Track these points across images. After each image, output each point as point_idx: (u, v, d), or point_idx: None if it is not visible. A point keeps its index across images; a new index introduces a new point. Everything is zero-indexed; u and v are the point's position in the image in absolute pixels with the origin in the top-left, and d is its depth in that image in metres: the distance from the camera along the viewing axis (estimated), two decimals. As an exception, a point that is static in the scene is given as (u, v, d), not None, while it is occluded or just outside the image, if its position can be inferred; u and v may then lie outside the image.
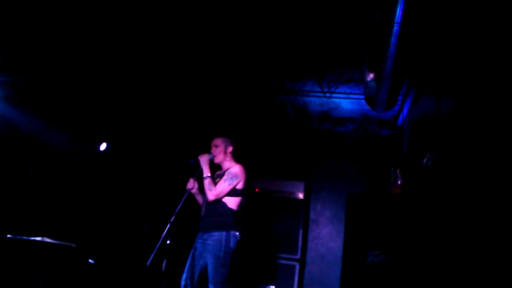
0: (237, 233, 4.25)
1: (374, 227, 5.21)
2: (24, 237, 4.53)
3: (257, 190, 6.68)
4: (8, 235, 4.55)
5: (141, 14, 4.81)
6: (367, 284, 5.00)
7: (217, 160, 4.48)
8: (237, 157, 4.57)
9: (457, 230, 3.72)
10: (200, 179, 4.38)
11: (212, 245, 4.16)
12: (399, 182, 5.14)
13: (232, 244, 4.18)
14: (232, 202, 4.28)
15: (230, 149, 4.54)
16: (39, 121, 6.43)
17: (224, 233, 4.17)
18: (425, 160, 4.65)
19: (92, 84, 6.37)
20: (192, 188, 4.41)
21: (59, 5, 4.71)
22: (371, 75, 4.80)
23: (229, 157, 4.52)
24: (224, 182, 4.26)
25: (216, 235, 4.18)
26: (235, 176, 4.28)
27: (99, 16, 4.90)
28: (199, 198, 4.54)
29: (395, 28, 3.70)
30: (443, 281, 3.83)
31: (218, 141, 4.53)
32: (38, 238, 4.53)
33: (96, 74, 6.16)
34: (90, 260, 4.94)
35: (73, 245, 4.61)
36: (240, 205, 4.35)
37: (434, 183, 4.44)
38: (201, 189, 4.44)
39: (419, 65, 4.91)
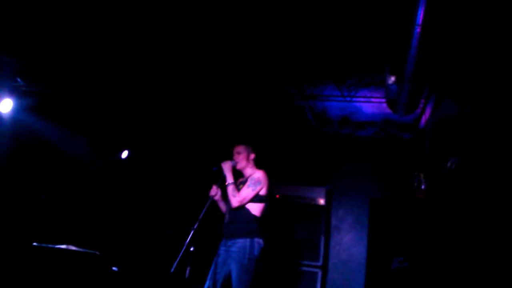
0: (261, 240, 4.23)
1: (398, 233, 5.14)
2: (50, 245, 4.59)
3: (278, 196, 6.66)
4: (34, 243, 4.61)
5: (161, 21, 4.85)
6: (392, 291, 4.92)
7: (239, 166, 4.49)
8: (258, 164, 4.57)
9: (483, 236, 3.65)
10: (223, 186, 4.39)
11: (236, 252, 4.14)
12: (423, 187, 5.07)
13: (256, 252, 4.16)
14: (255, 209, 4.27)
15: (252, 156, 4.56)
16: (62, 130, 6.52)
17: (248, 240, 4.15)
18: (449, 164, 4.58)
19: (114, 92, 6.44)
20: (215, 195, 4.42)
21: (80, 13, 4.79)
22: (392, 78, 4.76)
23: (251, 163, 4.53)
24: (248, 188, 4.25)
25: (240, 242, 4.16)
26: (258, 181, 4.28)
27: (123, 27, 4.96)
28: (222, 205, 4.54)
29: (416, 30, 3.67)
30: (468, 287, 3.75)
31: (240, 148, 4.55)
32: (63, 246, 4.58)
33: (118, 82, 6.23)
34: (113, 268, 4.98)
35: (97, 252, 4.65)
36: (264, 212, 4.32)
37: (459, 187, 4.37)
38: (224, 196, 4.45)
39: (441, 68, 4.84)
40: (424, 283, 4.64)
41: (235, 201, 4.23)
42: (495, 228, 3.42)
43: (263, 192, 4.30)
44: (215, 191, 4.40)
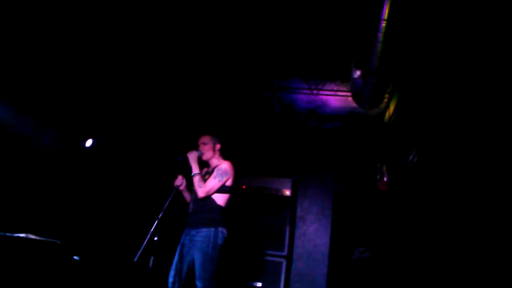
0: (225, 230, 4.26)
1: (360, 224, 5.25)
2: (8, 234, 4.47)
3: (244, 187, 6.69)
4: (-8, 232, 4.48)
5: (128, 11, 4.77)
6: (354, 280, 5.03)
7: (205, 157, 4.48)
8: (224, 154, 4.57)
9: (442, 227, 3.76)
10: (188, 176, 4.37)
11: (200, 241, 4.15)
12: (385, 179, 5.19)
13: (220, 241, 4.19)
14: (220, 199, 4.28)
15: (218, 146, 4.55)
16: (24, 117, 6.34)
17: (212, 229, 4.18)
18: (411, 157, 4.70)
19: (79, 78, 6.29)
20: (181, 185, 4.40)
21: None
22: (358, 72, 4.83)
23: (217, 154, 4.53)
24: (214, 178, 4.26)
25: (204, 231, 4.18)
26: (224, 172, 4.29)
27: (86, 9, 4.85)
28: (186, 195, 4.53)
29: (381, 24, 3.74)
30: (428, 277, 3.87)
31: (206, 139, 4.54)
32: (22, 235, 4.46)
33: (83, 68, 6.09)
34: (75, 257, 4.89)
35: (58, 241, 4.56)
36: (229, 202, 4.35)
37: (420, 180, 4.49)
38: (189, 186, 4.43)
39: (404, 63, 4.95)
40: (383, 273, 4.76)
41: (201, 191, 4.22)
42: (453, 219, 3.53)
43: (229, 183, 4.31)
44: (180, 181, 4.38)
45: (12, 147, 6.34)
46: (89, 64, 5.96)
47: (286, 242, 6.40)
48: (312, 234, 6.85)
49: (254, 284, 6.17)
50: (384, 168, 5.22)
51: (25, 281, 4.28)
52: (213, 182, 4.25)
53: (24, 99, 6.47)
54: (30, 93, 6.52)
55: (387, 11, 3.61)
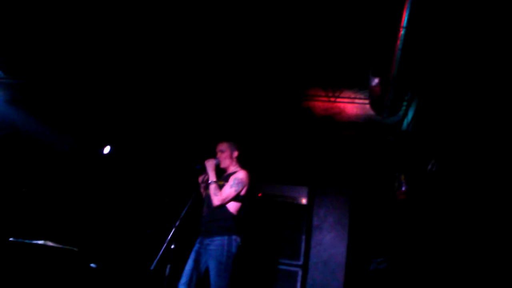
0: (239, 238, 4.23)
1: (378, 234, 5.18)
2: (27, 241, 4.51)
3: (260, 194, 6.65)
4: (11, 238, 4.52)
5: (147, 15, 4.81)
6: (371, 291, 4.96)
7: (223, 165, 4.47)
8: (241, 161, 4.56)
9: (461, 236, 3.69)
10: (206, 183, 4.39)
11: (214, 250, 4.13)
12: (403, 188, 5.11)
13: (234, 249, 4.16)
14: (233, 207, 4.27)
15: (235, 153, 4.54)
16: (43, 124, 6.42)
17: (226, 237, 4.15)
18: (429, 166, 4.63)
19: (97, 86, 6.36)
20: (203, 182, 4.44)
21: (62, 5, 4.71)
22: (376, 80, 4.79)
23: (234, 161, 4.52)
24: (231, 188, 4.24)
25: (218, 239, 4.15)
26: (241, 182, 4.27)
27: (108, 17, 4.90)
28: (203, 191, 4.56)
29: (402, 32, 3.70)
30: (448, 288, 3.79)
31: (223, 146, 4.53)
32: (41, 242, 4.50)
33: (102, 77, 6.15)
34: (92, 264, 4.91)
35: (75, 248, 4.59)
36: (242, 210, 4.32)
37: (439, 189, 4.42)
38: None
39: (424, 71, 4.89)
40: (401, 285, 4.68)
41: (216, 199, 4.21)
42: (474, 229, 3.46)
43: (242, 192, 4.29)
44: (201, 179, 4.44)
45: (32, 153, 6.42)
46: (109, 71, 6.02)
47: (302, 251, 6.34)
48: (328, 243, 6.76)
49: (270, 293, 6.13)
50: (403, 177, 5.15)
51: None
52: (229, 191, 4.23)
53: (43, 106, 6.56)
54: (49, 100, 6.61)
55: (406, 18, 3.58)
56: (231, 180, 4.28)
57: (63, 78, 6.29)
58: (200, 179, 4.50)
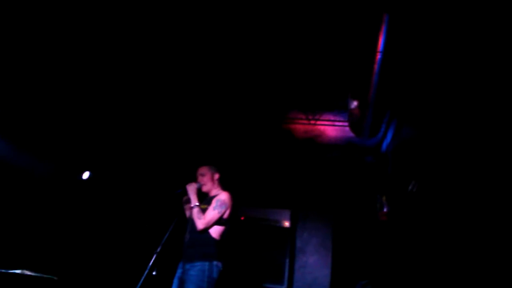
0: (220, 264, 4.19)
1: (362, 255, 5.19)
2: (3, 270, 4.38)
3: (242, 218, 6.63)
4: (-13, 269, 4.39)
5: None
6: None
7: (205, 188, 4.45)
8: (223, 185, 4.55)
9: (443, 256, 3.72)
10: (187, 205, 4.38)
11: (194, 275, 4.08)
12: (385, 209, 5.15)
13: (215, 274, 4.12)
14: (215, 232, 4.23)
15: (216, 176, 4.53)
16: (21, 150, 6.31)
17: (207, 263, 4.11)
18: (410, 187, 4.68)
19: (75, 111, 6.30)
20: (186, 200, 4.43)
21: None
22: (355, 103, 4.87)
23: (216, 184, 4.51)
24: (214, 210, 4.21)
25: (198, 265, 4.11)
26: (223, 203, 4.25)
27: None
28: (187, 213, 4.53)
29: (379, 56, 3.80)
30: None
31: (204, 170, 4.53)
32: (18, 271, 4.38)
33: (80, 101, 6.11)
34: (72, 293, 4.80)
35: (55, 277, 4.47)
36: (224, 235, 4.29)
37: (420, 210, 4.47)
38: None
39: (401, 93, 5.00)
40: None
41: (200, 223, 4.18)
42: (456, 249, 3.50)
43: (225, 215, 4.27)
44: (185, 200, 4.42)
45: (9, 180, 6.29)
46: (87, 95, 5.98)
47: (286, 274, 6.31)
48: (312, 266, 6.74)
49: (254, 318, 6.05)
50: (384, 198, 5.20)
51: None
52: (212, 213, 4.20)
53: (20, 132, 6.46)
54: (26, 126, 6.52)
55: (382, 43, 3.68)
56: (214, 202, 4.26)
57: (40, 102, 6.22)
58: (184, 199, 4.48)
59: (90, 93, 5.92)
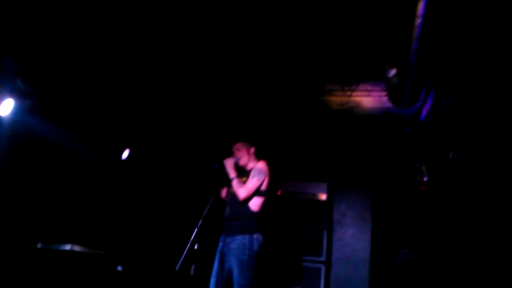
0: (260, 236, 4.24)
1: (402, 226, 5.15)
2: (54, 246, 4.57)
3: (279, 192, 6.65)
4: (39, 245, 4.60)
5: (153, 19, 4.82)
6: (398, 283, 4.93)
7: (241, 162, 4.50)
8: (259, 158, 4.58)
9: (486, 224, 3.66)
10: (228, 183, 4.41)
11: (235, 249, 4.15)
12: (425, 179, 5.07)
13: (256, 247, 4.17)
14: (255, 204, 4.27)
15: (252, 150, 4.60)
16: (63, 131, 6.48)
17: (247, 236, 4.17)
18: (451, 155, 4.59)
19: (114, 91, 6.41)
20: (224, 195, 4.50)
21: (78, 13, 4.76)
22: (393, 71, 4.74)
23: (252, 157, 4.56)
24: (252, 178, 4.26)
25: (239, 238, 4.18)
26: (261, 171, 4.30)
27: (124, 25, 4.93)
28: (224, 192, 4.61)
29: (419, 21, 3.66)
30: (474, 277, 3.76)
31: (239, 145, 4.60)
32: (68, 247, 4.57)
33: (119, 81, 6.20)
34: (118, 267, 4.97)
35: (102, 252, 4.64)
36: (263, 207, 4.33)
37: (461, 177, 4.38)
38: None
39: (442, 60, 4.84)
40: (429, 274, 4.64)
41: (242, 192, 4.23)
42: (498, 217, 3.42)
43: (263, 186, 4.30)
44: (225, 193, 4.48)
45: (52, 161, 6.49)
46: (126, 75, 6.06)
47: (324, 247, 6.33)
48: (350, 238, 6.73)
49: (294, 290, 6.12)
50: (424, 167, 5.10)
51: None
52: (252, 181, 4.25)
53: (63, 113, 6.63)
54: (68, 107, 6.68)
55: (423, 6, 3.54)
56: (252, 172, 4.30)
57: (80, 85, 6.35)
58: (224, 192, 4.56)
59: (126, 72, 5.99)
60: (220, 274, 4.18)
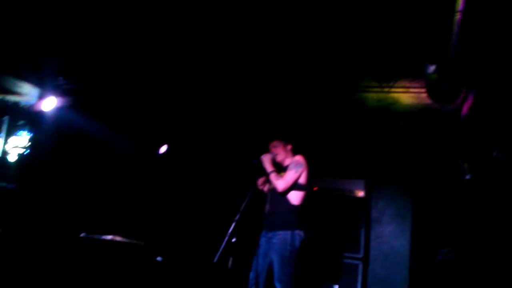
0: (302, 232, 4.23)
1: (442, 224, 5.05)
2: (96, 236, 4.75)
3: (315, 188, 6.65)
4: (82, 234, 4.79)
5: (187, 18, 4.90)
6: (438, 283, 4.84)
7: (279, 158, 4.53)
8: (296, 153, 4.60)
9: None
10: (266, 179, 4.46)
11: (277, 244, 4.17)
12: (467, 177, 4.96)
13: (297, 243, 4.17)
14: (295, 198, 4.27)
15: (289, 146, 4.61)
16: (104, 127, 6.69)
17: (289, 232, 4.17)
18: (494, 153, 4.47)
19: (153, 87, 6.55)
20: (263, 184, 4.52)
21: (118, 11, 4.89)
22: (432, 67, 4.67)
23: (290, 154, 4.58)
24: (290, 170, 4.28)
25: (281, 234, 4.19)
26: (299, 163, 4.31)
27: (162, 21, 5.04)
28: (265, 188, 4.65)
29: (458, 16, 3.60)
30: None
31: (275, 143, 4.63)
32: (109, 237, 4.73)
33: (156, 77, 6.34)
34: (158, 258, 5.10)
35: (142, 243, 4.78)
36: (304, 201, 4.32)
37: (504, 176, 4.26)
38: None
39: (483, 55, 4.72)
40: (470, 274, 4.55)
41: (280, 184, 4.24)
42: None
43: (302, 179, 4.30)
44: (262, 181, 4.51)
45: (93, 155, 6.72)
46: (164, 71, 6.19)
47: (362, 244, 6.28)
48: (389, 235, 6.64)
49: (332, 286, 6.11)
50: (466, 165, 4.99)
51: None
52: (290, 173, 4.26)
53: (103, 109, 6.84)
54: (108, 102, 6.89)
55: (463, 1, 3.48)
56: (290, 165, 4.32)
57: (120, 82, 6.53)
58: (260, 181, 4.58)
59: (166, 69, 6.12)
60: (261, 268, 4.22)
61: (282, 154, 4.55)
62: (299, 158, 4.37)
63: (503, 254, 4.02)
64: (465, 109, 5.98)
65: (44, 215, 5.91)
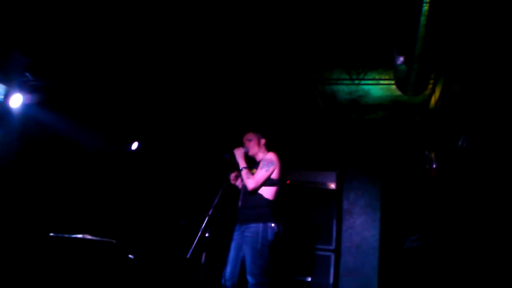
0: (274, 225, 4.25)
1: (410, 213, 5.16)
2: (66, 235, 4.66)
3: (288, 181, 6.68)
4: (51, 233, 4.69)
5: (163, 15, 4.85)
6: (406, 270, 4.95)
7: (251, 152, 4.52)
8: (269, 149, 4.60)
9: (494, 211, 3.66)
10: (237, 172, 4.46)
11: (249, 237, 4.17)
12: (434, 166, 5.07)
13: (269, 236, 4.18)
14: (268, 193, 4.30)
15: (263, 141, 4.61)
16: (72, 123, 6.56)
17: (261, 224, 4.18)
18: (460, 142, 4.58)
19: (123, 83, 6.46)
20: (235, 179, 4.51)
21: (87, 8, 4.79)
22: (401, 59, 4.72)
23: (263, 148, 4.57)
24: (261, 169, 4.29)
25: (253, 227, 4.20)
26: (270, 162, 4.32)
27: (130, 20, 4.97)
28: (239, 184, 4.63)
29: (424, 7, 3.65)
30: (482, 263, 3.77)
31: (250, 135, 4.61)
32: (80, 236, 4.65)
33: (127, 73, 6.24)
34: (130, 255, 5.04)
35: (113, 241, 4.72)
36: (276, 195, 4.35)
37: (470, 165, 4.37)
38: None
39: (449, 46, 4.81)
40: (437, 260, 4.66)
41: (250, 183, 4.26)
42: (506, 205, 3.42)
43: (275, 175, 4.32)
44: (234, 176, 4.50)
45: (61, 153, 6.58)
46: (134, 67, 6.10)
47: (334, 236, 6.35)
48: (360, 226, 6.75)
49: (304, 278, 6.17)
50: (433, 154, 5.10)
51: None
52: (261, 172, 4.28)
53: (72, 106, 6.70)
54: (77, 99, 6.75)
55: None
56: (261, 163, 4.33)
57: (88, 78, 6.41)
58: (233, 176, 4.57)
59: (136, 65, 6.03)
60: (235, 262, 4.21)
61: (255, 148, 4.54)
62: (271, 156, 4.37)
63: (467, 241, 4.13)
64: (432, 100, 6.12)
65: (13, 215, 5.77)
